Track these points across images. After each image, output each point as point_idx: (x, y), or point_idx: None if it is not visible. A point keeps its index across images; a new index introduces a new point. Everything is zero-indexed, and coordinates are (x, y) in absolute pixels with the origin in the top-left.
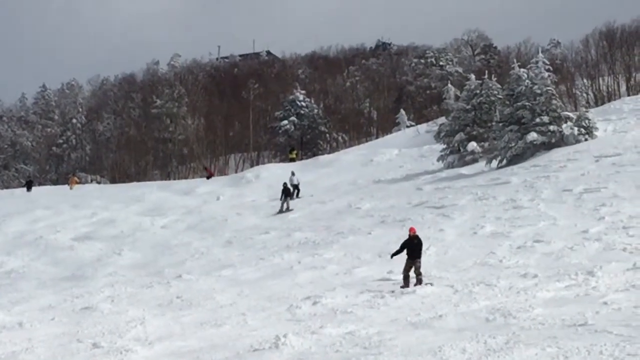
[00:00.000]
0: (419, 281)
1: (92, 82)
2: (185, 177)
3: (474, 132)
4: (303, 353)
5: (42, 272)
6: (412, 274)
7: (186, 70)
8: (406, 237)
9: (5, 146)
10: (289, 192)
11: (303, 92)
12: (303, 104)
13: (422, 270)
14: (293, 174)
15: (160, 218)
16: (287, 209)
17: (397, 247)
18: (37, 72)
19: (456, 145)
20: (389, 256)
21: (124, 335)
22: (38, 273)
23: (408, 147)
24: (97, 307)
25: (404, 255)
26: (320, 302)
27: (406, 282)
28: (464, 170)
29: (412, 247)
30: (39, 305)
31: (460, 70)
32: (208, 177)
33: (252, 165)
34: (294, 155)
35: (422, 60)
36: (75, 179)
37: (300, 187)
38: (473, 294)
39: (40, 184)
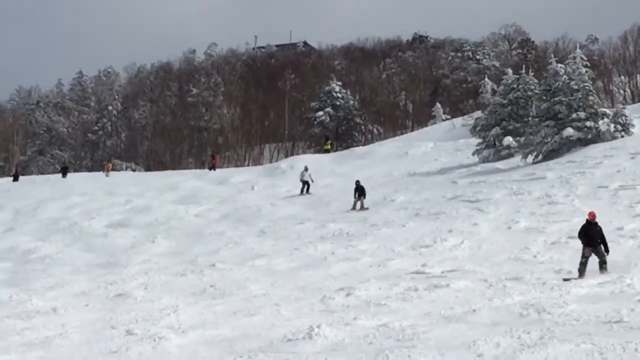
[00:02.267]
0: (603, 268)
1: (129, 70)
2: (220, 167)
3: (510, 127)
4: (336, 344)
5: (76, 258)
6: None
7: (223, 59)
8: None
9: (41, 132)
10: (363, 191)
11: (339, 83)
12: (339, 95)
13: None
14: (306, 169)
15: (195, 206)
16: (362, 208)
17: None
18: (73, 59)
19: (492, 139)
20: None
21: (157, 323)
22: (72, 259)
23: (443, 141)
24: (131, 294)
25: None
26: (354, 294)
27: (582, 270)
28: (499, 164)
29: (592, 233)
30: (73, 291)
31: (497, 64)
32: (210, 168)
33: (286, 156)
34: (329, 147)
35: (459, 54)
36: (110, 165)
37: (312, 184)
38: (507, 288)
39: (75, 171)
